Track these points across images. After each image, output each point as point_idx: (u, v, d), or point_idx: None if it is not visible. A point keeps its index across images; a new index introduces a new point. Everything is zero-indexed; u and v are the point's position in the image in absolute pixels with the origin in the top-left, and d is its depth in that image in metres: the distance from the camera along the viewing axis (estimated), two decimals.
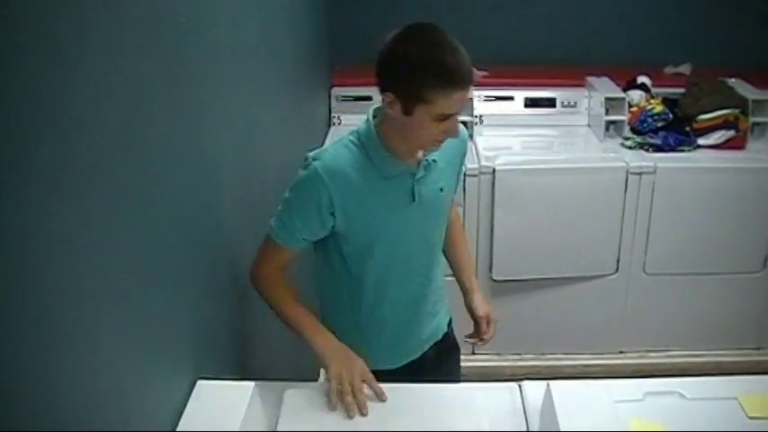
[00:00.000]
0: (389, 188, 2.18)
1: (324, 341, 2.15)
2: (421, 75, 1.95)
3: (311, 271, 2.42)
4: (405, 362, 2.44)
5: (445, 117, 2.00)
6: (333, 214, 2.13)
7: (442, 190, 2.28)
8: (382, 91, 2.05)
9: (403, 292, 2.34)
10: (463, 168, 2.48)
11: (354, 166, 2.13)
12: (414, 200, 2.20)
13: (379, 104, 2.14)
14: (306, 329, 2.17)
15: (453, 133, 2.08)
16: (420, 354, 2.47)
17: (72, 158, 1.23)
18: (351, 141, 2.17)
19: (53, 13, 1.15)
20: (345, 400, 1.97)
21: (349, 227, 2.17)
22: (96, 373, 1.35)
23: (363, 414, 1.95)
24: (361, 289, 2.30)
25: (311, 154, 2.18)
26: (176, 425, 1.73)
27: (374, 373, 2.21)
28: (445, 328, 2.55)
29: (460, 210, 2.53)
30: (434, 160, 2.22)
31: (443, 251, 2.49)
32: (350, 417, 1.94)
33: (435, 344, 2.51)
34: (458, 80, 1.95)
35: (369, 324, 2.35)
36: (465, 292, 2.55)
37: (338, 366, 2.05)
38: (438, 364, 2.53)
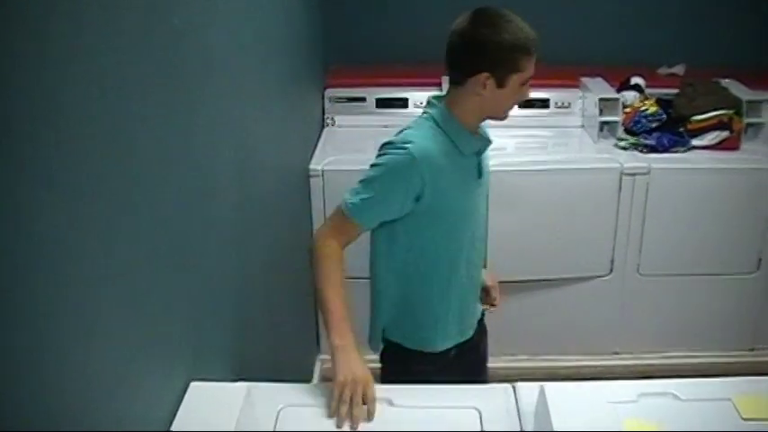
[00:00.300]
0: (463, 167, 2.34)
1: (342, 341, 2.14)
2: (514, 49, 2.18)
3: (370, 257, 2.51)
4: (461, 340, 2.56)
5: (527, 81, 2.26)
6: (418, 198, 2.24)
7: (487, 167, 2.47)
8: (471, 74, 2.23)
9: (468, 270, 2.47)
10: None
11: (440, 149, 2.27)
12: (480, 176, 2.38)
13: (436, 93, 2.41)
14: (332, 321, 2.18)
15: (528, 93, 2.31)
16: (472, 332, 2.61)
17: (66, 159, 1.22)
18: (430, 126, 2.31)
19: (46, 12, 1.15)
20: (340, 410, 1.96)
21: (435, 208, 2.28)
22: (89, 374, 1.35)
23: (353, 428, 1.94)
24: (434, 270, 2.40)
25: (396, 138, 2.28)
26: (169, 426, 1.72)
27: (436, 355, 2.44)
28: (479, 315, 2.70)
29: None
30: (489, 139, 2.41)
31: None
32: (338, 427, 1.93)
33: (478, 322, 2.67)
34: (536, 44, 2.22)
35: (438, 305, 2.45)
36: None
37: (345, 375, 2.03)
38: (478, 342, 2.69)
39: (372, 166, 2.28)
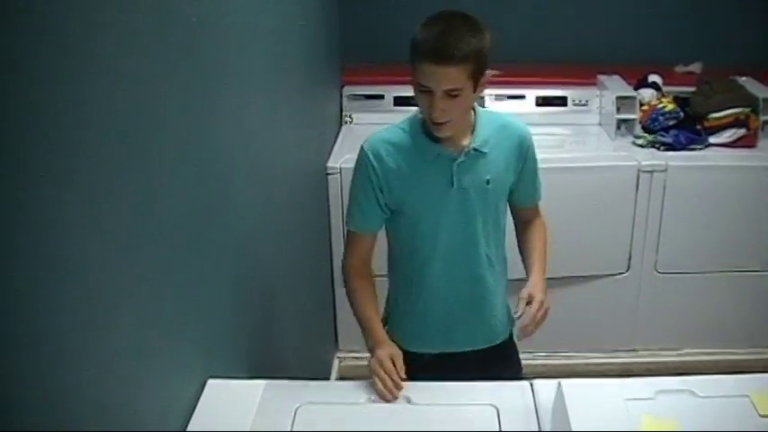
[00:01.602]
0: (430, 171, 2.30)
1: (377, 343, 2.27)
2: (412, 44, 2.13)
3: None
4: (448, 351, 2.50)
5: (419, 87, 2.14)
6: (381, 189, 2.30)
7: (488, 182, 2.32)
8: None
9: (450, 282, 2.44)
10: (534, 166, 2.46)
11: (398, 146, 2.30)
12: (452, 185, 2.28)
13: None
14: (366, 331, 2.34)
15: (430, 112, 2.15)
16: (461, 350, 2.51)
17: (82, 160, 1.23)
18: (400, 127, 2.35)
19: (62, 13, 1.16)
20: (376, 388, 2.05)
21: (394, 203, 2.33)
22: (107, 373, 1.36)
23: (393, 398, 2.03)
24: (410, 272, 2.45)
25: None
26: (187, 424, 1.73)
27: (416, 354, 2.39)
28: (497, 341, 2.58)
29: (543, 216, 2.58)
30: (478, 149, 2.29)
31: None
32: (377, 392, 2.04)
33: (479, 351, 2.53)
34: (431, 55, 2.08)
35: (415, 308, 2.47)
36: None
37: (378, 355, 2.18)
38: (482, 367, 2.45)
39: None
